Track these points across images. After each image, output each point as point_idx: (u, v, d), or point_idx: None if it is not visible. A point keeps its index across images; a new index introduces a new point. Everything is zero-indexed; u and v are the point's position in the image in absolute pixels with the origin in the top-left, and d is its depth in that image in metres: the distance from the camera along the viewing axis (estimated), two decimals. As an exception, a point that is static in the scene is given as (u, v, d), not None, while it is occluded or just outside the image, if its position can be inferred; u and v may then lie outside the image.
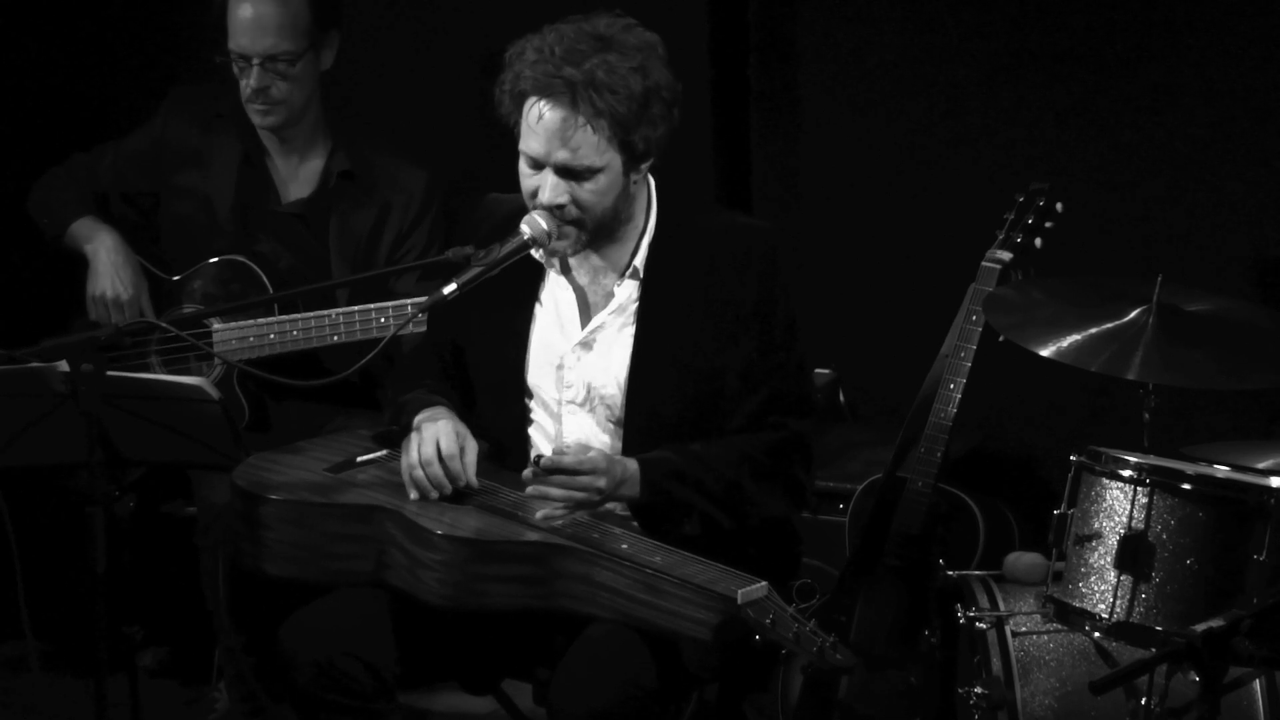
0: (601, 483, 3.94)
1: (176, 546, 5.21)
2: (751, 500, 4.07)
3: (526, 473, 3.96)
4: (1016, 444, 5.47)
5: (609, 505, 4.01)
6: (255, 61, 5.03)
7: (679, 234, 4.11)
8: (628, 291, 4.11)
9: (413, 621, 3.97)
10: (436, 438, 4.01)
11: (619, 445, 4.10)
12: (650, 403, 4.07)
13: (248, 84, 5.06)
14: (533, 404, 4.16)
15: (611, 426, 4.11)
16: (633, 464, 4.00)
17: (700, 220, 4.14)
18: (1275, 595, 3.78)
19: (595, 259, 4.12)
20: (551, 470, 3.93)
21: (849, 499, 5.05)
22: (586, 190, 3.98)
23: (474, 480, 4.02)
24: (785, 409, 4.10)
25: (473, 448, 4.04)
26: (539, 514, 3.94)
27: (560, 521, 3.92)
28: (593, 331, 4.12)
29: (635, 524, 4.02)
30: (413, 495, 4.00)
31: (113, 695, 4.08)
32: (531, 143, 3.97)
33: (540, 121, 3.94)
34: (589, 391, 4.11)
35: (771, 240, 4.13)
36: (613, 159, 3.97)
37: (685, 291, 4.07)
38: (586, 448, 3.99)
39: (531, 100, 3.95)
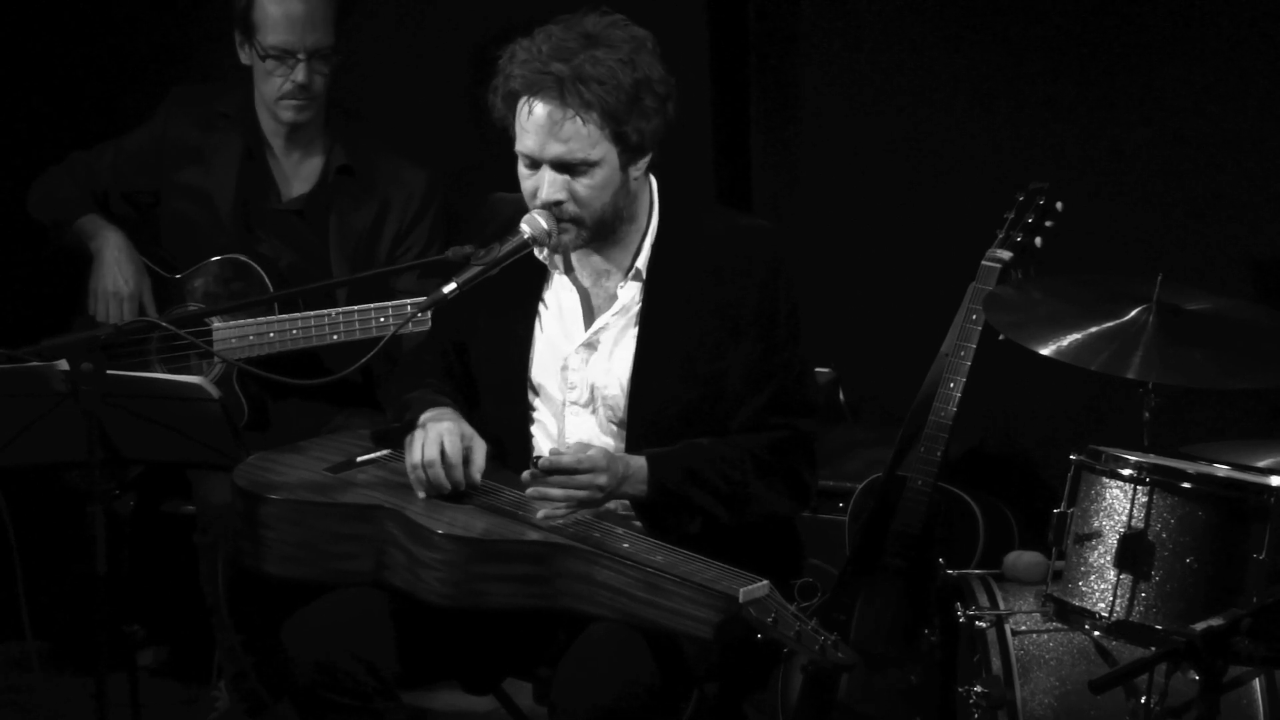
0: (602, 480, 3.94)
1: (176, 546, 5.21)
2: (757, 498, 4.06)
3: (525, 474, 3.95)
4: (1016, 443, 5.47)
5: (610, 504, 4.01)
6: (301, 57, 5.03)
7: (682, 235, 4.10)
8: (630, 293, 4.10)
9: (413, 620, 3.96)
10: (441, 438, 4.00)
11: (621, 446, 4.08)
12: (653, 404, 4.06)
13: (289, 80, 5.05)
14: (537, 404, 4.16)
15: (614, 428, 4.10)
16: (637, 461, 3.99)
17: (703, 221, 4.13)
18: (1275, 594, 3.78)
19: (598, 260, 4.11)
20: (550, 470, 3.92)
21: (849, 498, 5.05)
22: (583, 185, 3.98)
23: (478, 480, 4.02)
24: (788, 409, 4.09)
25: (480, 449, 4.04)
26: (539, 514, 3.94)
27: (561, 521, 3.92)
28: (596, 333, 4.11)
29: (637, 523, 4.02)
30: (420, 494, 4.00)
31: (113, 695, 4.08)
32: (526, 141, 3.98)
33: (531, 118, 3.95)
34: (592, 393, 4.11)
35: (775, 242, 4.12)
36: (607, 152, 3.96)
37: (688, 293, 4.06)
38: (586, 446, 3.97)
39: (522, 100, 3.96)
